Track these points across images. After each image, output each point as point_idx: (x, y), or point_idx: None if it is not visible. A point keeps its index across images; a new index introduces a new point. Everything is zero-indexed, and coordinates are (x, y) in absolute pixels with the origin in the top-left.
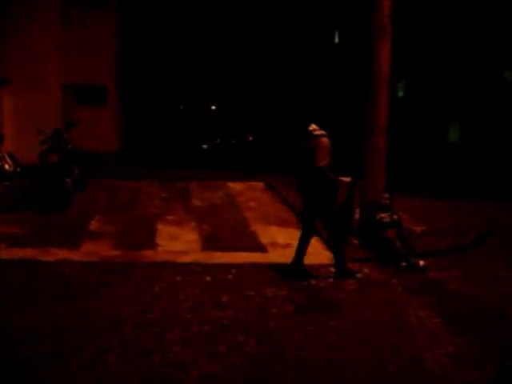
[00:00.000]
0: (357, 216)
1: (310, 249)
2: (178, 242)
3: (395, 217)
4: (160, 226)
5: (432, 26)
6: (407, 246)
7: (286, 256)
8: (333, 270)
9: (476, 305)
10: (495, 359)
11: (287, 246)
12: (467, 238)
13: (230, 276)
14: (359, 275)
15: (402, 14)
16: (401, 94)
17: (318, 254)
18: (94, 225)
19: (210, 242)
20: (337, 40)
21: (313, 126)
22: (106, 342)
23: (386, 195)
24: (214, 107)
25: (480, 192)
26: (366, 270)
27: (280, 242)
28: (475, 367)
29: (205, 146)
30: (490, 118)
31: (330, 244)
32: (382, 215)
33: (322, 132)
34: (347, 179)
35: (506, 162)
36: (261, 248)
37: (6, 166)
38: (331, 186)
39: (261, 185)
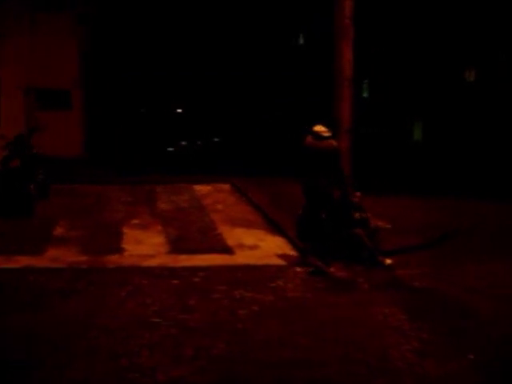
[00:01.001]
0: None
1: (277, 249)
2: (144, 246)
3: (364, 215)
4: (126, 230)
5: (394, 27)
6: (374, 245)
7: (252, 257)
8: (299, 270)
9: (441, 301)
10: (459, 353)
11: (254, 247)
12: (432, 235)
13: (197, 279)
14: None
15: (364, 16)
16: (365, 94)
17: (286, 254)
18: (58, 230)
19: (177, 245)
20: (302, 41)
21: (320, 127)
22: (72, 349)
23: (358, 194)
24: (180, 110)
25: (444, 190)
26: (332, 270)
27: (247, 243)
28: (440, 362)
29: (171, 149)
30: (452, 118)
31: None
32: (354, 214)
33: (330, 133)
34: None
35: (468, 160)
36: (228, 250)
37: None
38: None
39: (227, 187)
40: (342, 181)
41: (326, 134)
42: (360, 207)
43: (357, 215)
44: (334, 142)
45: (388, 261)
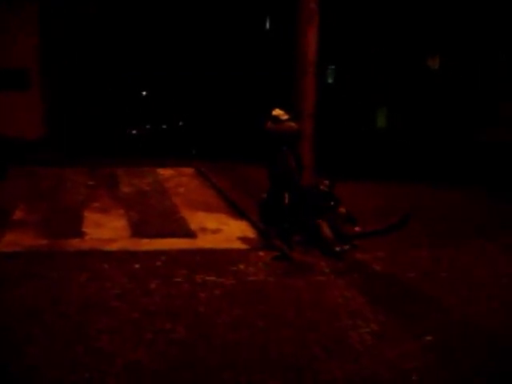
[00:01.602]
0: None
1: (239, 233)
2: (105, 230)
3: (332, 203)
4: (87, 214)
5: (360, 13)
6: (336, 233)
7: (215, 241)
8: (262, 254)
9: (399, 284)
10: (416, 335)
11: (216, 231)
12: (391, 219)
13: (159, 263)
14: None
15: (331, 1)
16: (330, 80)
17: (248, 238)
18: (17, 214)
19: (139, 229)
20: (268, 26)
21: (278, 111)
22: (27, 334)
23: (327, 182)
24: (144, 92)
25: (405, 176)
26: (294, 254)
27: (209, 227)
28: (397, 344)
29: (134, 132)
30: (415, 105)
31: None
32: (322, 202)
33: (288, 116)
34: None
35: (429, 147)
36: (190, 234)
37: None
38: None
39: (191, 171)
40: (299, 164)
41: (284, 117)
42: (328, 194)
43: (323, 203)
44: (293, 124)
45: (345, 247)
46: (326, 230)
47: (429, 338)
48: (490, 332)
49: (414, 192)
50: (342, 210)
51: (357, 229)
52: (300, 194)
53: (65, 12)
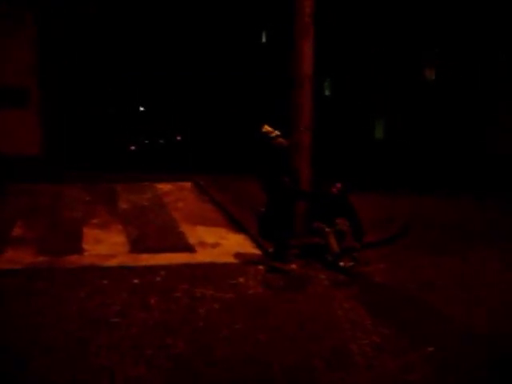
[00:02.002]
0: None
1: (238, 247)
2: (104, 246)
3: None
4: (86, 230)
5: (356, 26)
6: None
7: (214, 255)
8: (261, 267)
9: (399, 295)
10: (417, 346)
11: (215, 245)
12: (391, 230)
13: (158, 278)
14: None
15: (327, 15)
16: (327, 92)
17: (247, 252)
18: (16, 231)
19: (138, 245)
20: (264, 39)
21: (267, 128)
22: (27, 351)
23: (339, 185)
24: (142, 108)
25: (404, 186)
26: (293, 266)
27: (208, 241)
28: (398, 355)
29: (132, 148)
30: (412, 115)
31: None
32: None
33: (277, 133)
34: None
35: (427, 157)
36: (189, 248)
37: None
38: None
39: (189, 185)
40: (294, 179)
41: (273, 134)
42: (338, 199)
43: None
44: (282, 141)
45: (350, 263)
46: (333, 242)
47: (430, 348)
48: (491, 342)
49: (413, 202)
50: (346, 222)
51: (357, 245)
52: (308, 199)
53: (65, 32)
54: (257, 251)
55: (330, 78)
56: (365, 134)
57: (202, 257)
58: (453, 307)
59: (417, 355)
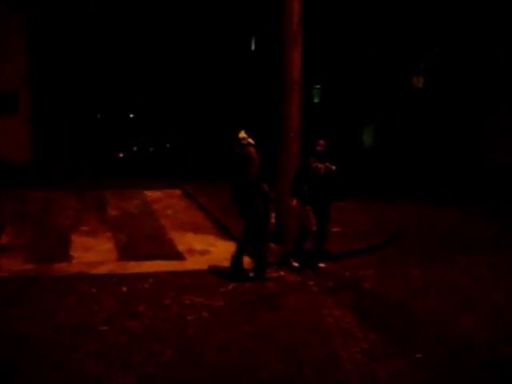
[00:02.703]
0: (273, 220)
1: (227, 254)
2: (92, 253)
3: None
4: (74, 237)
5: (347, 32)
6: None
7: (203, 262)
8: (250, 274)
9: (388, 302)
10: (406, 353)
11: (204, 252)
12: (380, 237)
13: (147, 285)
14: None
15: (316, 22)
16: (317, 99)
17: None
18: (3, 238)
19: (126, 252)
20: (253, 47)
21: (242, 134)
22: (14, 359)
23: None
24: (131, 115)
25: (392, 194)
26: (282, 273)
27: (197, 248)
28: (387, 362)
29: (121, 155)
30: (401, 122)
31: (251, 250)
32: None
33: (250, 141)
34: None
35: (416, 165)
36: (178, 256)
37: None
38: (265, 199)
39: (178, 192)
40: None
41: (245, 142)
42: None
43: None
44: (250, 151)
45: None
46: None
47: (418, 355)
48: (479, 349)
49: (401, 209)
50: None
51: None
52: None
53: (55, 37)
54: (246, 258)
55: (319, 85)
56: (354, 140)
57: (190, 264)
58: (442, 314)
59: (406, 362)
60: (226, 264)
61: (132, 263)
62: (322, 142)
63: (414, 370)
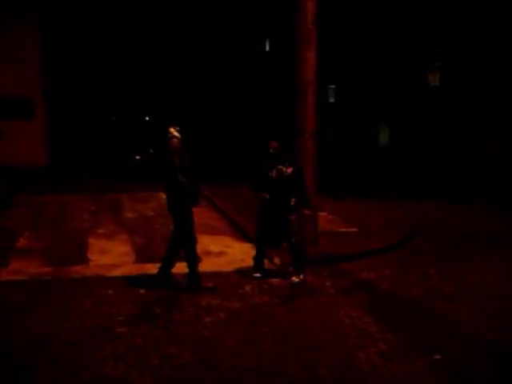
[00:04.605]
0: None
1: (244, 256)
2: (109, 256)
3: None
4: (91, 240)
5: (360, 33)
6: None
7: (219, 264)
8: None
9: (406, 302)
10: (424, 354)
11: (221, 253)
12: (397, 237)
13: (163, 287)
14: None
15: (329, 21)
16: (332, 99)
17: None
18: (21, 242)
19: (143, 254)
20: (268, 48)
21: (170, 130)
22: (32, 362)
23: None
24: (147, 118)
25: (409, 193)
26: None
27: (213, 250)
28: (405, 363)
29: (138, 157)
30: (416, 121)
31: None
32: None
33: (174, 134)
34: None
35: (432, 163)
36: None
37: None
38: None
39: None
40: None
41: (171, 135)
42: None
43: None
44: (176, 142)
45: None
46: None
47: (437, 356)
48: (499, 349)
49: (418, 208)
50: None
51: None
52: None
53: (68, 43)
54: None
55: (333, 85)
56: (369, 139)
57: (207, 266)
58: (460, 314)
59: (424, 363)
60: (243, 266)
61: (148, 265)
62: (273, 143)
63: (432, 371)
